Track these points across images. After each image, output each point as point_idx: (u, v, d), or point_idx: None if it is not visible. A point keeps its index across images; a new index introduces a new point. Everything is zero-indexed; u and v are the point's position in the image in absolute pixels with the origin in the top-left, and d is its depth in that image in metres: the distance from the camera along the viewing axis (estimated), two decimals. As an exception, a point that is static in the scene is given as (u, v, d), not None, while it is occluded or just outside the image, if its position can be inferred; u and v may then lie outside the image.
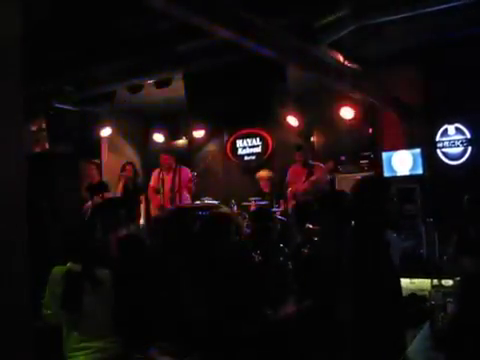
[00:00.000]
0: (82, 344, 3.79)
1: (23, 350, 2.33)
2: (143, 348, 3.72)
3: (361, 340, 2.94)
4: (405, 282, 4.75)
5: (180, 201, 9.25)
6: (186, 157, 11.05)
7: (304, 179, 8.78)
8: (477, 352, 2.51)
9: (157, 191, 9.47)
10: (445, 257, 6.06)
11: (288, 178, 9.10)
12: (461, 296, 2.79)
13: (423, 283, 5.64)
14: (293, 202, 8.53)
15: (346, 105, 8.96)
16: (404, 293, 3.75)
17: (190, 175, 9.26)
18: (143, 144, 12.10)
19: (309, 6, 6.03)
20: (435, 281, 6.27)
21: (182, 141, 11.89)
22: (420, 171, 8.69)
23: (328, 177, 8.97)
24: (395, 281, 3.06)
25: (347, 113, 9.05)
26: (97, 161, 10.49)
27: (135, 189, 9.57)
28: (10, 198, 2.38)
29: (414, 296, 4.62)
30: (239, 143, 11.41)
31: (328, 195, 4.92)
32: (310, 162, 8.97)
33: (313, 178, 8.71)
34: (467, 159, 8.57)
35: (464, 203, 4.79)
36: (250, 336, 3.61)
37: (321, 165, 8.90)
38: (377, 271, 2.94)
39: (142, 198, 9.72)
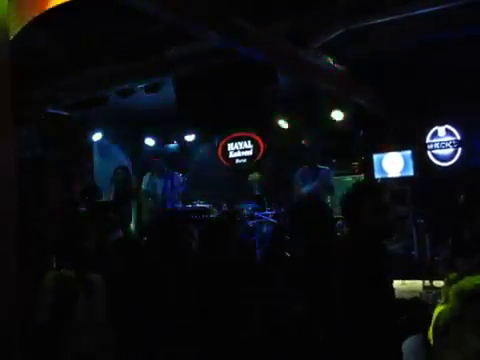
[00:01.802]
0: (78, 349, 3.79)
1: (10, 353, 2.34)
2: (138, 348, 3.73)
3: (354, 350, 2.91)
4: (397, 283, 4.74)
5: (171, 205, 9.25)
6: (178, 161, 11.05)
7: (311, 181, 8.78)
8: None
9: (148, 195, 9.46)
10: (436, 258, 6.10)
11: (295, 180, 9.08)
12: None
13: (414, 284, 5.68)
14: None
15: (337, 107, 9.00)
16: (403, 296, 3.76)
17: (181, 180, 9.26)
18: (134, 148, 12.08)
19: (299, 10, 6.05)
20: (427, 282, 6.30)
21: (173, 145, 11.89)
22: (411, 173, 8.73)
23: (332, 180, 8.94)
24: (389, 292, 3.01)
25: (338, 115, 9.09)
26: (89, 166, 10.48)
27: (127, 193, 9.55)
28: (1, 202, 2.38)
29: (417, 301, 4.55)
30: (230, 146, 11.43)
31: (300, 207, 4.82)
32: (318, 165, 8.96)
33: (318, 180, 8.73)
34: (457, 160, 8.62)
35: (460, 201, 4.76)
36: (242, 338, 3.62)
37: (327, 168, 8.91)
38: (370, 281, 2.90)
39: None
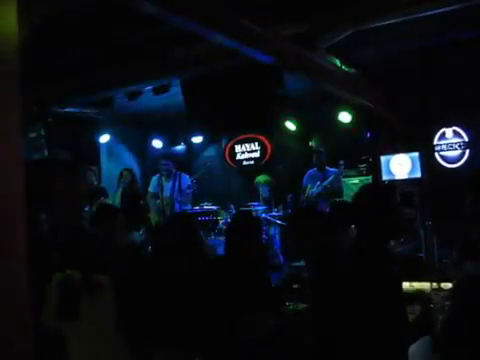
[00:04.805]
0: (84, 350, 3.79)
1: (24, 356, 2.33)
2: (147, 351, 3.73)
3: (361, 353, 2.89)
4: (405, 285, 4.72)
5: (179, 207, 9.25)
6: (185, 163, 11.07)
7: (319, 183, 8.83)
8: (471, 353, 2.52)
9: (156, 197, 9.46)
10: (444, 260, 6.07)
11: (304, 182, 9.12)
12: (455, 298, 2.79)
13: (422, 286, 5.64)
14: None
15: (344, 109, 8.99)
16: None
17: (190, 182, 9.27)
18: (142, 150, 12.11)
19: (306, 12, 6.05)
20: (434, 284, 6.28)
21: (181, 147, 11.90)
22: (418, 174, 8.70)
23: (342, 182, 8.96)
24: (397, 293, 2.99)
25: (345, 117, 9.08)
26: (95, 168, 10.50)
27: (133, 195, 9.55)
28: (9, 204, 2.38)
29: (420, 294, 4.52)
30: (237, 148, 11.43)
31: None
32: (326, 167, 9.00)
33: (326, 182, 8.77)
34: (465, 162, 8.58)
35: (466, 204, 4.73)
36: (250, 338, 3.62)
37: (336, 170, 8.93)
38: (378, 286, 2.88)
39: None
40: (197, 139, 11.22)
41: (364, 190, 3.29)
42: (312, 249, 4.15)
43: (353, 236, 3.67)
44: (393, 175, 8.88)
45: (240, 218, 4.77)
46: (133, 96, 8.21)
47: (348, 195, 8.22)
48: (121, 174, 9.71)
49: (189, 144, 11.62)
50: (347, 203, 5.62)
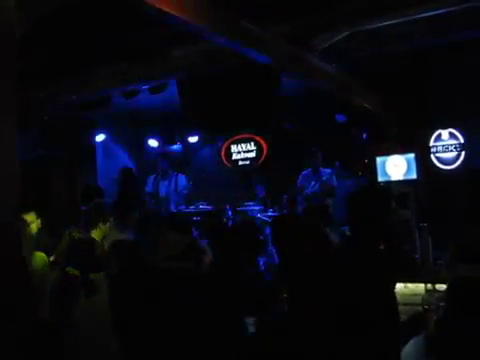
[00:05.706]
0: (81, 348, 3.80)
1: (21, 348, 2.35)
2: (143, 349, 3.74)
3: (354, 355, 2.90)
4: (399, 287, 4.74)
5: (175, 207, 9.24)
6: (181, 162, 11.06)
7: (314, 183, 8.86)
8: (465, 354, 2.53)
9: (152, 196, 9.45)
10: (439, 262, 6.08)
11: (299, 182, 9.15)
12: (449, 299, 2.80)
13: (417, 287, 5.65)
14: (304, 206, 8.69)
15: (340, 110, 9.00)
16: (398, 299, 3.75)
17: (186, 182, 9.27)
18: (138, 149, 12.09)
19: (304, 13, 6.05)
20: (429, 285, 6.29)
21: (177, 146, 11.90)
22: (414, 176, 8.72)
23: (335, 181, 8.99)
24: (390, 295, 3.00)
25: (341, 118, 9.08)
26: (91, 167, 10.49)
27: (130, 194, 9.53)
28: (4, 202, 2.39)
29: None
30: (233, 148, 11.44)
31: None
32: (320, 168, 9.03)
33: (320, 182, 8.80)
34: (460, 164, 8.61)
35: (461, 205, 4.74)
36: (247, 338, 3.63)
37: (329, 171, 8.96)
38: (371, 287, 2.89)
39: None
40: (193, 138, 11.22)
41: (359, 192, 3.29)
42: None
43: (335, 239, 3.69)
44: (389, 176, 8.90)
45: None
46: (130, 95, 8.19)
47: (343, 196, 8.23)
48: (119, 172, 9.70)
49: (185, 143, 11.62)
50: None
